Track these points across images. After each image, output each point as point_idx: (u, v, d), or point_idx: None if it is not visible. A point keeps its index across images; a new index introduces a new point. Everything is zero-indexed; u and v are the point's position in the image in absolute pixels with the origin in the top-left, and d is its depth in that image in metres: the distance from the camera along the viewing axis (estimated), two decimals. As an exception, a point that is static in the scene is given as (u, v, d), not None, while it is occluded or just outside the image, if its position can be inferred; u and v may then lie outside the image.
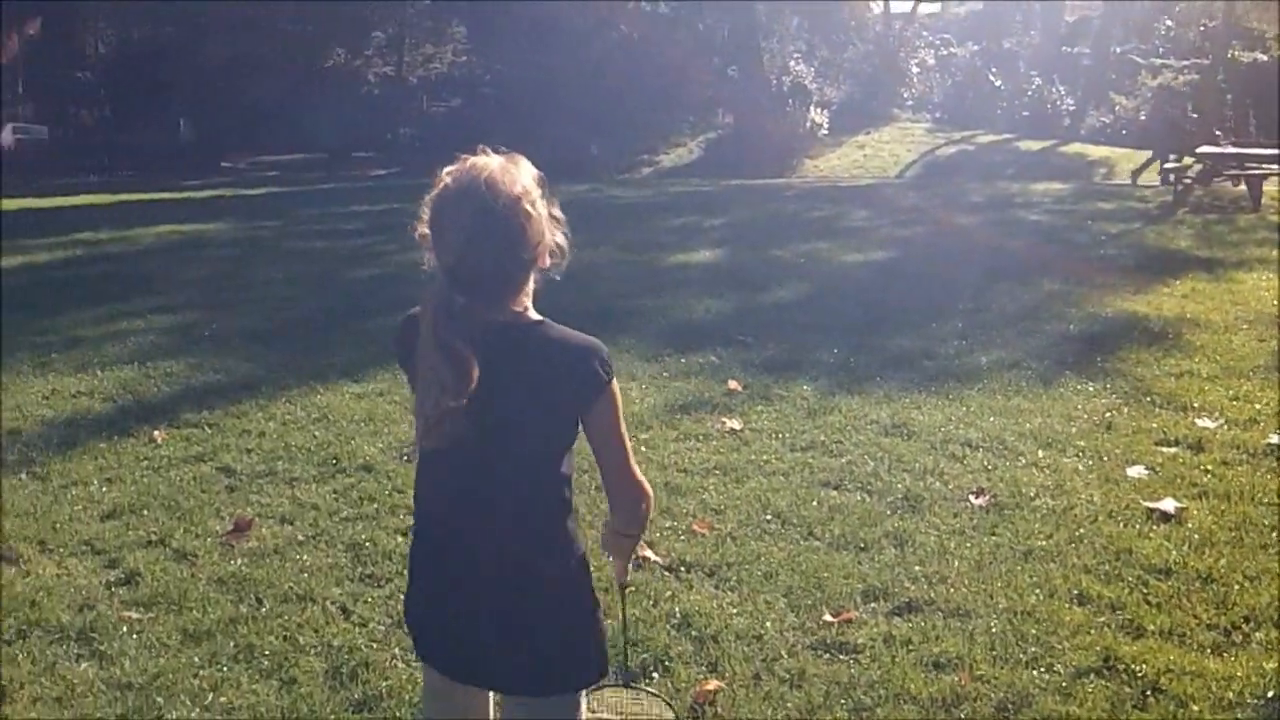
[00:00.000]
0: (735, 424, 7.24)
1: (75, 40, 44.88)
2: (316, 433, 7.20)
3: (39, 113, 46.22)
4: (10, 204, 22.85)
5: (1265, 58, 33.37)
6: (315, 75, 33.63)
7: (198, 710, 4.18)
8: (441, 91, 36.53)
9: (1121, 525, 5.68)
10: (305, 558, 5.43)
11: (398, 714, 4.13)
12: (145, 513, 5.96)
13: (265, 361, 8.93)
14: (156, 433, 7.19)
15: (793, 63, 37.86)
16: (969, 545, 5.46)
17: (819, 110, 34.90)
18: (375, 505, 6.05)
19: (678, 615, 4.81)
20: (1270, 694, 4.18)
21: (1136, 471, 6.42)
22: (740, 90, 35.15)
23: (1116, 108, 36.01)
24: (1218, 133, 23.97)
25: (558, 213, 2.74)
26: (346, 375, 8.43)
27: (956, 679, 4.28)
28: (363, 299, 11.29)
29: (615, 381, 2.68)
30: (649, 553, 5.40)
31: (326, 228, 16.67)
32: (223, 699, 4.25)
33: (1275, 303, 10.63)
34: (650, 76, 33.59)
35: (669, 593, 5.03)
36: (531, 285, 2.73)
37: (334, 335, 9.74)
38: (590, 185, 23.20)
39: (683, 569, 5.25)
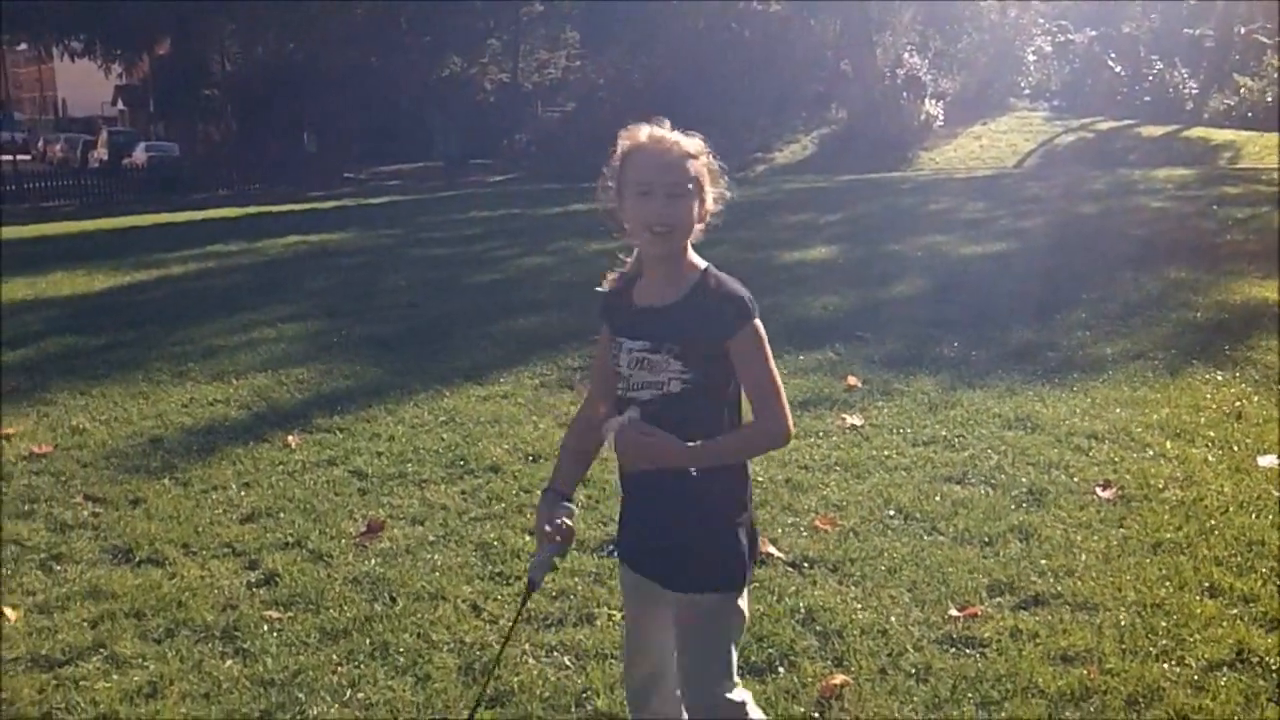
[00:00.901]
0: (855, 420, 7.25)
1: (203, 59, 46.07)
2: (444, 435, 7.35)
3: (169, 130, 47.61)
4: (144, 219, 23.55)
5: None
6: (433, 84, 34.12)
7: (337, 706, 4.31)
8: (556, 97, 36.84)
9: (1254, 516, 5.60)
10: (436, 557, 5.56)
11: (529, 709, 4.22)
12: (282, 515, 6.15)
13: (392, 366, 9.13)
14: (290, 438, 7.40)
15: (906, 55, 37.54)
16: (1096, 538, 5.42)
17: (934, 102, 34.56)
18: (502, 505, 6.17)
19: (802, 610, 4.85)
20: None
21: (1268, 461, 6.30)
22: (854, 85, 34.96)
23: (1242, 90, 35.13)
24: None
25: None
26: (471, 378, 8.58)
27: (1085, 672, 4.26)
28: (484, 303, 11.47)
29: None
30: (772, 548, 5.44)
31: (446, 234, 16.94)
32: (360, 695, 4.38)
33: None
34: (763, 74, 33.54)
35: (793, 588, 5.07)
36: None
37: (457, 339, 9.91)
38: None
39: (805, 565, 5.28)
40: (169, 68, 44.79)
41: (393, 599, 5.15)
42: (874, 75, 35.07)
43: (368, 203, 22.69)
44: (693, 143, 3.04)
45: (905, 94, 34.45)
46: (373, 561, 5.54)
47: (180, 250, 17.26)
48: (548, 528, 3.19)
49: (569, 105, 35.17)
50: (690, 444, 2.99)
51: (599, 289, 3.24)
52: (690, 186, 3.00)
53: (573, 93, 35.76)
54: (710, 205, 3.08)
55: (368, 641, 4.77)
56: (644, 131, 3.06)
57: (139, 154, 46.26)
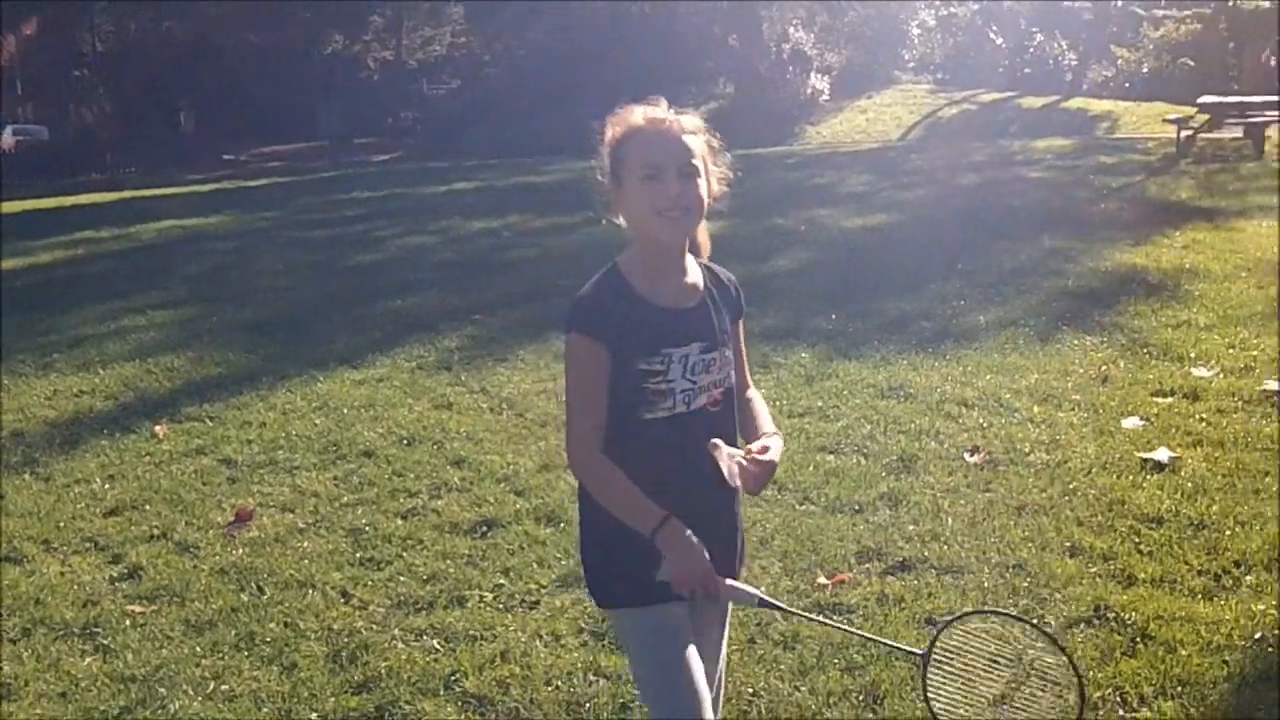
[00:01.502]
0: (732, 393, 7.26)
1: (72, 38, 44.84)
2: (317, 420, 7.25)
3: (38, 113, 46.23)
4: (12, 206, 22.92)
5: (1268, 4, 33.12)
6: (315, 62, 33.61)
7: (200, 699, 4.23)
8: (441, 74, 36.45)
9: (1115, 477, 5.71)
10: (306, 544, 5.49)
11: (396, 694, 4.18)
12: (147, 507, 6.03)
13: (265, 352, 8.99)
14: (158, 428, 7.26)
15: (792, 29, 37.71)
16: (963, 502, 5.49)
17: (820, 76, 34.80)
18: (375, 490, 6.11)
19: (673, 584, 4.84)
20: (1258, 635, 4.21)
21: (1132, 423, 6.44)
22: (741, 59, 35.06)
23: (1119, 61, 35.84)
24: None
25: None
26: (346, 362, 8.48)
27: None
28: (362, 285, 11.34)
29: (570, 335, 2.85)
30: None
31: (327, 216, 16.71)
32: (224, 687, 4.30)
33: (1275, 250, 10.61)
34: (651, 49, 33.50)
35: (665, 562, 5.06)
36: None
37: (334, 323, 9.79)
38: (594, 161, 23.18)
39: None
40: (36, 48, 43.55)
41: (260, 588, 5.07)
42: (760, 50, 35.20)
43: (247, 185, 22.32)
44: (691, 120, 2.86)
45: (791, 68, 34.63)
46: (240, 551, 5.45)
47: (48, 237, 16.81)
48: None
49: (455, 83, 34.87)
50: (772, 436, 2.92)
51: (581, 303, 2.83)
52: (697, 164, 2.81)
53: (458, 70, 35.43)
54: (715, 186, 2.88)
55: (233, 632, 4.69)
56: (637, 113, 2.85)
57: (6, 138, 44.71)
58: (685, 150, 2.79)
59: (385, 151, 30.32)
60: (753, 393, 3.09)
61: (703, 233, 2.98)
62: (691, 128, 2.83)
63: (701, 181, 2.80)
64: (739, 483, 2.81)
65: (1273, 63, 22.31)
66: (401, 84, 35.10)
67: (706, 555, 2.76)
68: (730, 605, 3.09)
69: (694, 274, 2.91)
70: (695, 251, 2.97)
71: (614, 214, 2.87)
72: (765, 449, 2.83)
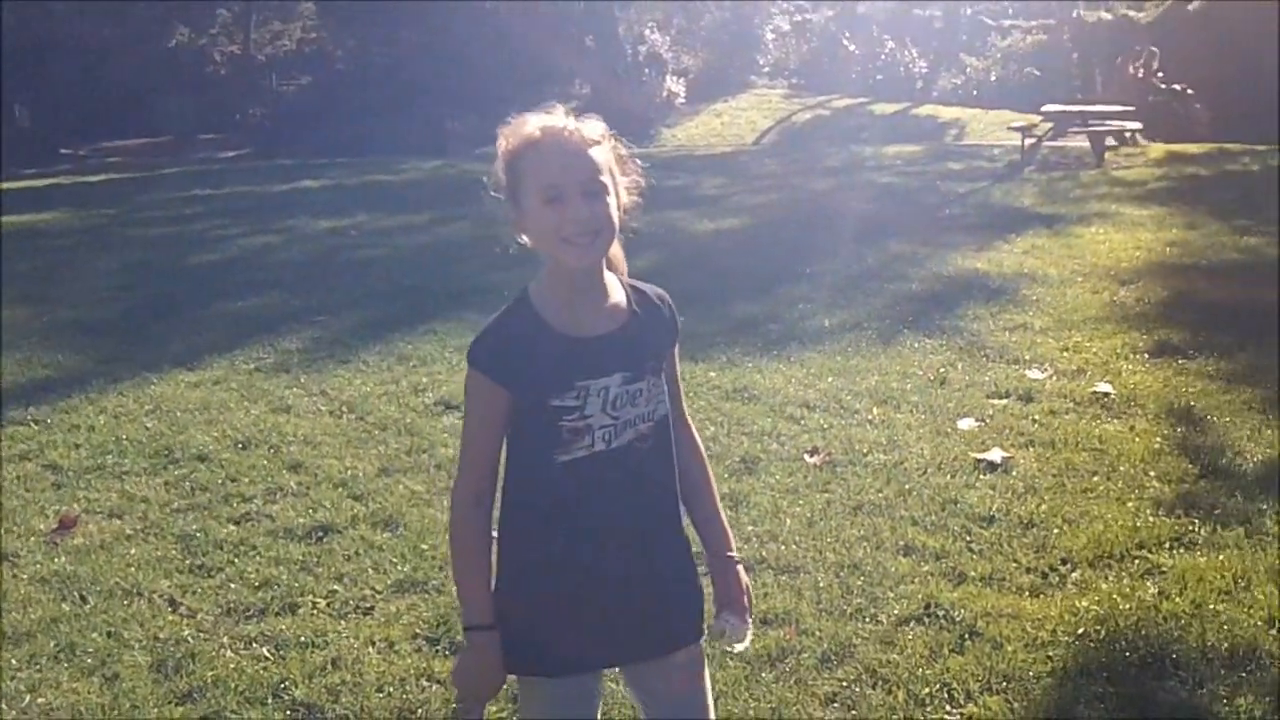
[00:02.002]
0: (577, 395, 7.24)
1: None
2: (149, 424, 7.05)
3: None
4: None
5: (1109, 17, 34.15)
6: (159, 55, 32.72)
7: (14, 713, 4.08)
8: (291, 70, 35.79)
9: (950, 476, 5.83)
10: (133, 551, 5.33)
11: (222, 703, 4.08)
12: (-33, 515, 5.80)
13: (97, 353, 8.70)
14: (-20, 433, 6.99)
15: (649, 31, 37.85)
16: (801, 503, 5.54)
17: (675, 79, 34.96)
18: (208, 495, 5.96)
19: (510, 588, 4.81)
20: (1081, 631, 4.32)
21: (967, 424, 6.58)
22: (597, 60, 35.08)
23: (968, 69, 36.60)
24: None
25: None
26: (181, 364, 8.25)
27: (783, 633, 4.35)
28: (201, 285, 11.04)
29: (468, 369, 2.63)
30: (485, 528, 5.39)
31: (167, 213, 16.24)
32: (41, 700, 4.16)
33: (1110, 256, 10.94)
34: (506, 48, 33.32)
35: (503, 566, 5.03)
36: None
37: (171, 324, 9.52)
38: (446, 161, 22.99)
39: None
40: None
41: (83, 597, 4.91)
42: (617, 51, 35.26)
43: (85, 180, 21.63)
44: (593, 127, 2.54)
45: (648, 70, 34.75)
46: (63, 559, 5.27)
47: None
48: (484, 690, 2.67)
49: (305, 79, 34.30)
50: (732, 563, 2.81)
51: (482, 336, 2.61)
52: (604, 180, 2.51)
53: (309, 66, 34.83)
54: (625, 199, 2.60)
55: (52, 643, 4.53)
56: (531, 124, 2.54)
57: None
58: (589, 165, 2.50)
59: (232, 148, 29.67)
60: (692, 441, 2.82)
61: (616, 246, 2.67)
62: (594, 136, 2.53)
63: (610, 199, 2.52)
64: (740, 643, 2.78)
65: (1141, 74, 22.87)
66: (249, 79, 34.38)
67: (498, 686, 2.63)
68: (701, 662, 2.85)
69: (616, 295, 2.64)
70: (611, 268, 2.68)
71: (518, 234, 2.59)
72: (741, 594, 2.77)
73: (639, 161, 2.67)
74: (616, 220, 2.55)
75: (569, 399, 2.54)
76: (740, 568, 2.80)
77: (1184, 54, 24.69)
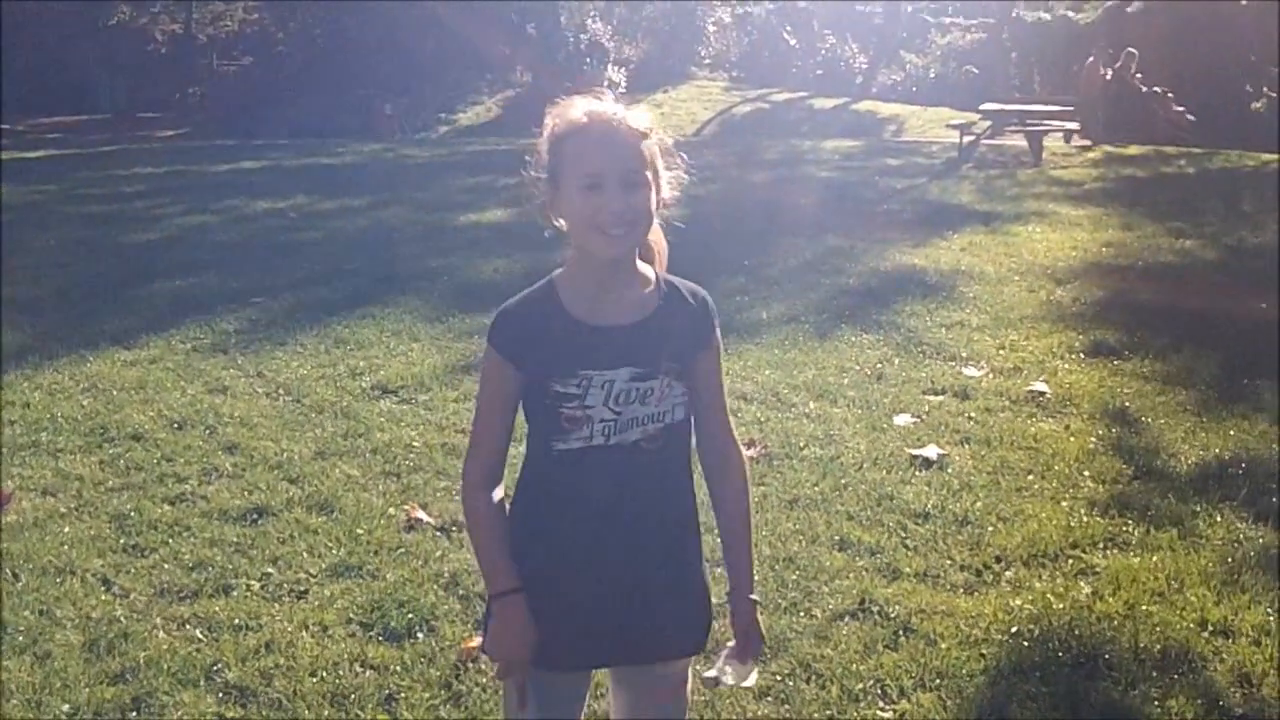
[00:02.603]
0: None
1: None
2: (84, 402, 6.95)
3: None
4: None
5: (1049, 17, 34.52)
6: (99, 33, 32.28)
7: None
8: (232, 50, 35.42)
9: (885, 472, 5.86)
10: (67, 530, 5.26)
11: (154, 684, 4.03)
12: (-107, 491, 5.68)
13: (33, 330, 8.54)
14: (-91, 408, 6.86)
15: (590, 20, 37.75)
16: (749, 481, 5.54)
17: (616, 68, 34.91)
18: (143, 475, 5.88)
19: (446, 575, 4.80)
20: (1014, 629, 4.37)
21: (903, 420, 6.62)
22: (538, 48, 34.95)
23: (908, 65, 36.86)
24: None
25: None
26: (118, 342, 8.14)
27: (716, 627, 4.34)
28: (139, 264, 10.90)
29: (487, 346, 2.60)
30: (422, 513, 5.37)
31: (105, 191, 16.00)
32: (-32, 678, 4.09)
33: (1047, 255, 11.06)
34: (448, 33, 33.11)
35: (439, 553, 5.01)
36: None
37: (107, 302, 9.38)
38: (384, 145, 22.87)
39: (454, 529, 5.22)
40: None
41: (15, 575, 4.84)
42: (558, 40, 35.14)
43: (22, 156, 21.24)
44: (641, 117, 2.48)
45: (589, 59, 34.66)
46: (-6, 536, 5.18)
47: None
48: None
49: (246, 59, 33.94)
50: (744, 567, 2.73)
51: (501, 314, 2.56)
52: (647, 174, 2.46)
53: (250, 46, 34.46)
54: (666, 193, 2.53)
55: (-18, 621, 4.46)
56: (580, 108, 2.48)
57: None
58: (632, 156, 2.44)
59: (172, 127, 29.27)
60: (730, 460, 2.72)
61: (658, 235, 2.62)
62: (642, 127, 2.46)
63: (650, 192, 2.46)
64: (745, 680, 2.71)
65: (1110, 75, 22.99)
66: (190, 59, 34.00)
67: (529, 647, 2.54)
68: (687, 676, 2.84)
69: (644, 287, 2.57)
70: (648, 259, 2.61)
71: (552, 216, 2.53)
72: (750, 642, 2.69)
73: (685, 157, 2.60)
74: (654, 214, 2.50)
75: (570, 386, 2.49)
76: (757, 611, 2.73)
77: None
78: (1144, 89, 23.64)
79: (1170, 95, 23.66)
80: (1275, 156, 19.89)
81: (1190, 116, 23.01)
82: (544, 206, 2.54)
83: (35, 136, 26.74)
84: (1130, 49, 23.85)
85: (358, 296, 9.44)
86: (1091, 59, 23.76)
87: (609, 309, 2.53)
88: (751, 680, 2.79)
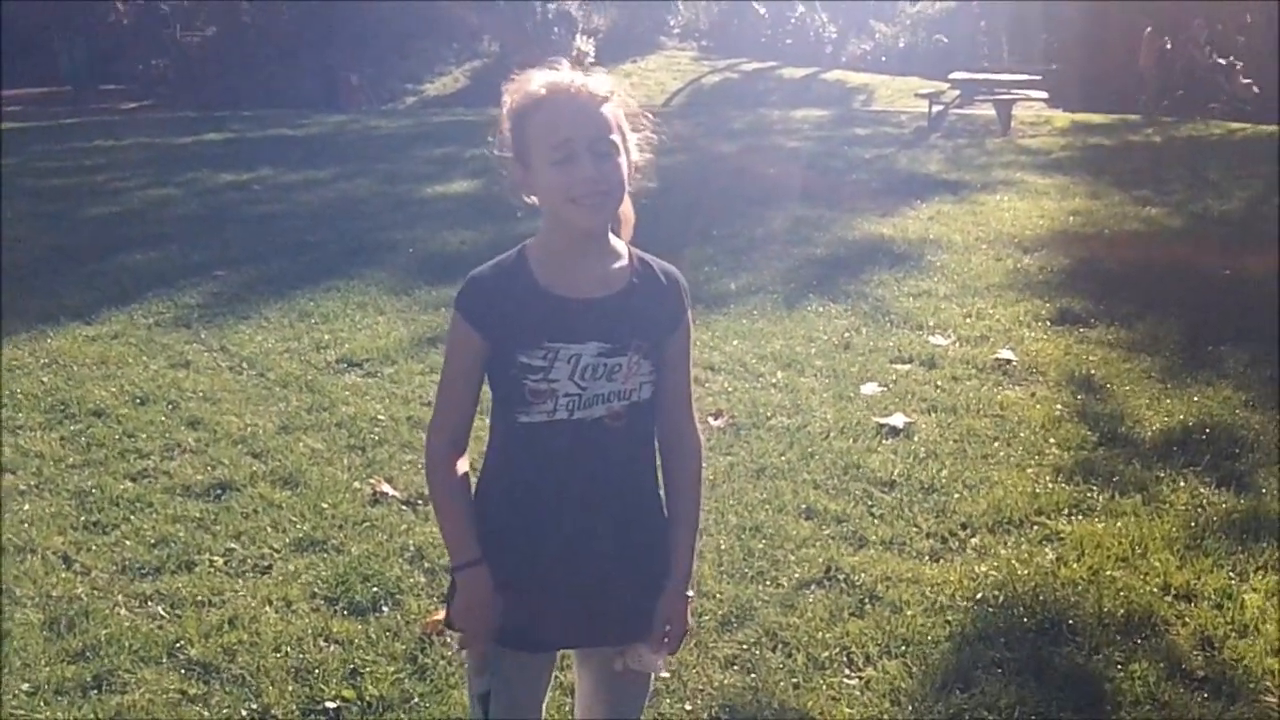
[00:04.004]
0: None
1: None
2: (44, 378, 6.87)
3: None
4: None
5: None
6: (59, 4, 31.84)
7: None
8: (195, 20, 35.02)
9: (852, 441, 5.86)
10: (26, 507, 5.21)
11: (116, 662, 4.00)
12: None
13: (-7, 305, 8.47)
14: None
15: (559, -11, 37.55)
16: (705, 466, 5.52)
17: (585, 38, 34.74)
18: (104, 451, 5.83)
19: (411, 549, 4.78)
20: (979, 595, 4.38)
21: (870, 389, 6.62)
22: (506, 17, 34.75)
23: (877, 35, 36.81)
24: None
25: None
26: (79, 317, 8.05)
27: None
28: (100, 237, 10.79)
29: (453, 312, 2.52)
30: (387, 487, 5.34)
31: (65, 164, 15.81)
32: (-73, 657, 4.05)
33: (1014, 224, 11.07)
34: (415, 5, 32.89)
35: (404, 526, 4.99)
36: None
37: (67, 276, 9.27)
38: (350, 116, 22.71)
39: (420, 502, 5.19)
40: None
41: (-27, 554, 4.79)
42: (526, 9, 34.96)
43: (-19, 129, 21.05)
44: (601, 82, 2.40)
45: (557, 29, 34.49)
46: (-49, 515, 5.13)
47: None
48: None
49: (210, 30, 33.59)
50: (685, 559, 2.62)
51: (470, 281, 2.48)
52: (614, 139, 2.38)
53: (213, 17, 34.08)
54: (636, 156, 2.46)
55: (-59, 600, 4.41)
56: (537, 80, 2.40)
57: None
58: (598, 123, 2.37)
59: (134, 99, 28.91)
60: (687, 443, 2.63)
61: (627, 205, 2.52)
62: (602, 92, 2.38)
63: (620, 158, 2.38)
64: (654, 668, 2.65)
65: (1169, 46, 22.74)
66: (152, 30, 33.56)
67: (493, 619, 2.50)
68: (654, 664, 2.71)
69: (616, 262, 2.51)
70: (617, 230, 2.54)
71: (524, 194, 2.46)
72: (674, 634, 2.61)
73: (650, 116, 2.52)
74: (627, 180, 2.42)
75: (536, 358, 2.42)
76: (689, 608, 2.66)
77: (1090, 27, 24.96)
78: (1213, 60, 23.48)
79: (1239, 66, 23.46)
80: (1242, 125, 19.98)
81: (1256, 89, 22.81)
82: (515, 185, 2.46)
83: (-5, 109, 26.47)
84: (1198, 20, 23.68)
85: (322, 269, 9.37)
86: (1150, 29, 23.41)
87: (580, 281, 2.46)
88: (662, 670, 2.76)
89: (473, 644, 2.57)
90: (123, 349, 7.41)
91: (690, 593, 2.65)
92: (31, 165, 15.66)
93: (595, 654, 2.74)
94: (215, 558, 4.74)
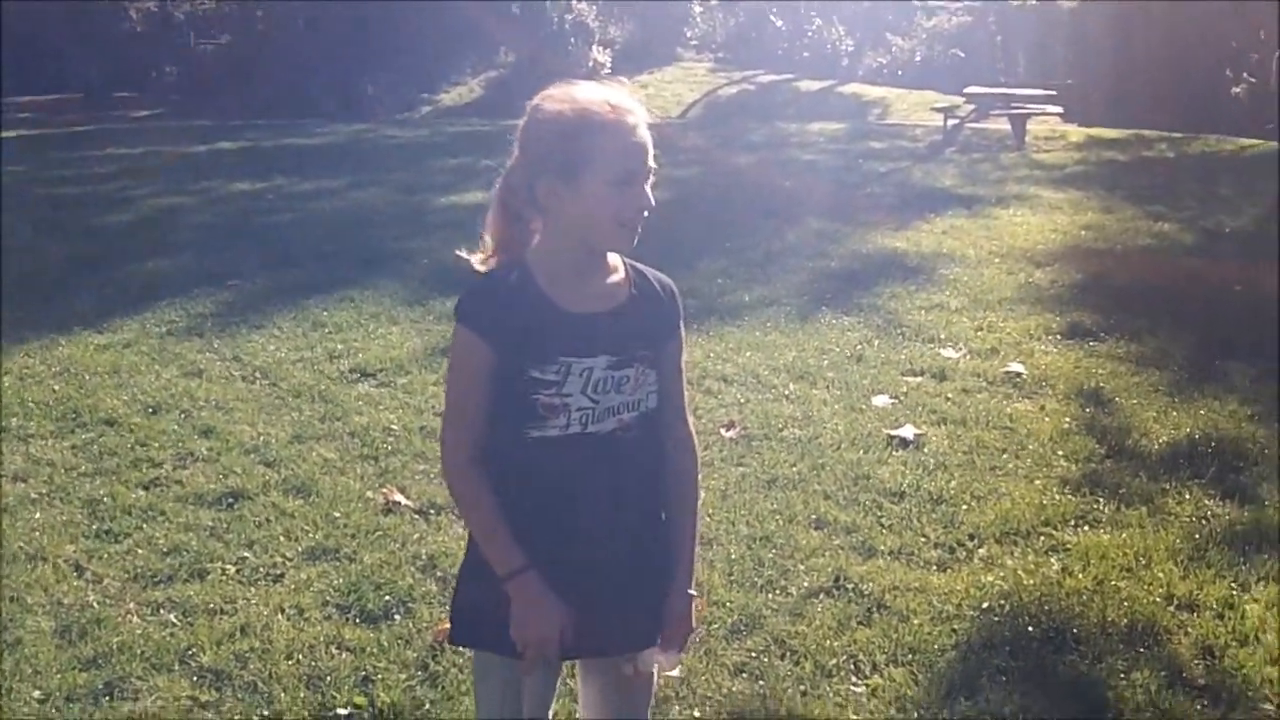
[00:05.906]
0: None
1: None
2: (56, 387, 6.92)
3: None
4: None
5: (1035, 1, 34.50)
6: (72, 10, 31.94)
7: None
8: (210, 28, 35.12)
9: (863, 452, 5.89)
10: (38, 516, 5.25)
11: (128, 669, 4.04)
12: None
13: (3, 314, 8.47)
14: (-120, 394, 6.82)
15: (575, 1, 37.64)
16: (716, 476, 5.57)
17: (601, 49, 34.81)
18: (116, 460, 5.87)
19: (424, 557, 4.82)
20: (985, 605, 4.40)
21: (881, 401, 6.65)
22: (522, 28, 34.85)
23: (893, 48, 36.82)
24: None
25: None
26: (91, 325, 8.10)
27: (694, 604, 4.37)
28: (113, 246, 10.82)
29: (456, 325, 2.54)
30: (399, 496, 5.38)
31: (78, 172, 15.85)
32: (-60, 665, 4.08)
33: (1027, 238, 11.08)
34: (430, 12, 32.98)
35: (417, 535, 5.03)
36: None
37: (80, 284, 9.29)
38: (366, 126, 22.79)
39: (432, 511, 5.23)
40: None
41: (-14, 561, 4.83)
42: (543, 19, 35.05)
43: (-9, 136, 21.15)
44: (641, 105, 2.44)
45: (574, 40, 34.55)
46: (-34, 522, 5.17)
47: None
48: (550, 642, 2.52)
49: (224, 38, 33.71)
50: (688, 559, 2.67)
51: (472, 292, 2.53)
52: (653, 164, 2.44)
53: (228, 25, 34.20)
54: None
55: (-47, 607, 4.45)
56: (598, 98, 2.41)
57: None
58: (649, 148, 2.42)
59: (147, 107, 29.01)
60: (685, 448, 2.68)
61: None
62: (648, 116, 2.44)
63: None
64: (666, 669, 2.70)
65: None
66: (167, 37, 33.70)
67: (557, 621, 2.47)
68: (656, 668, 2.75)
69: (615, 275, 2.56)
70: None
71: (533, 211, 2.48)
72: (682, 634, 2.66)
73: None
74: None
75: (549, 373, 2.44)
76: (694, 606, 2.71)
77: (1108, 42, 24.93)
78: None
79: None
80: (1254, 142, 19.92)
81: None
82: (529, 198, 2.47)
83: (7, 116, 26.58)
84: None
85: (336, 279, 9.41)
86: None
87: (587, 296, 2.50)
88: (676, 670, 2.80)
89: (543, 656, 2.52)
90: (135, 358, 7.45)
91: (693, 591, 2.69)
92: (43, 173, 15.71)
93: (600, 665, 2.77)
94: (227, 566, 4.78)
